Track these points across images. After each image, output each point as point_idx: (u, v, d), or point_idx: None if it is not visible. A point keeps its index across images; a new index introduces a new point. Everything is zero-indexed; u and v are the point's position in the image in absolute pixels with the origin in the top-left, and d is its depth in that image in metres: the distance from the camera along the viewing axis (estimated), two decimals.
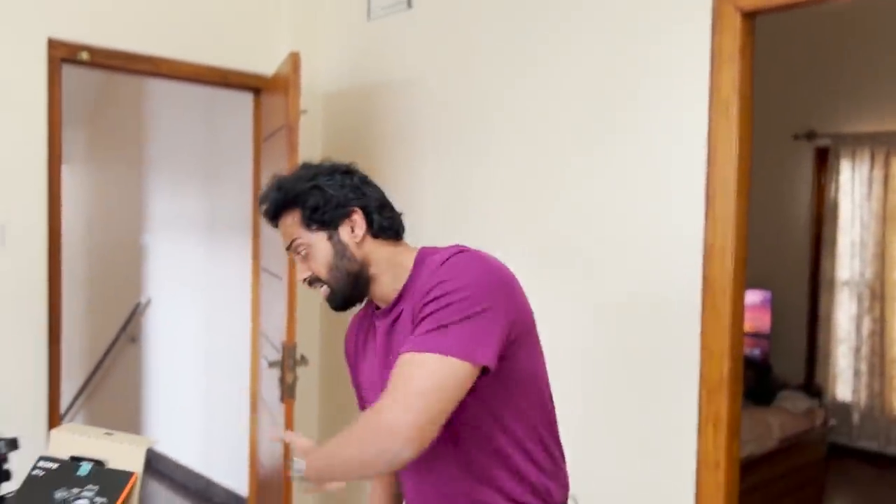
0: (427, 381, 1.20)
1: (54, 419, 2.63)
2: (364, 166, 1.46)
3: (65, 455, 1.46)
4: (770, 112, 4.38)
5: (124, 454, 1.43)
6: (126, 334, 4.82)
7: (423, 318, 1.26)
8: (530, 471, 1.37)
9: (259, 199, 1.48)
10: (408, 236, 1.49)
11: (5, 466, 1.57)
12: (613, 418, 2.24)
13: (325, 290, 1.43)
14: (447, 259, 1.31)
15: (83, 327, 4.95)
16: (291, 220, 1.42)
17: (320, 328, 3.34)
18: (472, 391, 1.24)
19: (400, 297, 1.40)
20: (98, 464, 1.43)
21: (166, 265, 4.64)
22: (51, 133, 2.61)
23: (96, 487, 1.39)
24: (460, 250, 1.34)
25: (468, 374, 1.22)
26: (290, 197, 1.41)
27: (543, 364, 1.43)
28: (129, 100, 4.80)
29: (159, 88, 4.56)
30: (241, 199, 3.66)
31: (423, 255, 1.41)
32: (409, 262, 1.41)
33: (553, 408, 1.44)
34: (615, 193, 2.25)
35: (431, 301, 1.26)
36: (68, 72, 2.71)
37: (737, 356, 2.00)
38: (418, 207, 2.84)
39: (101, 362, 4.90)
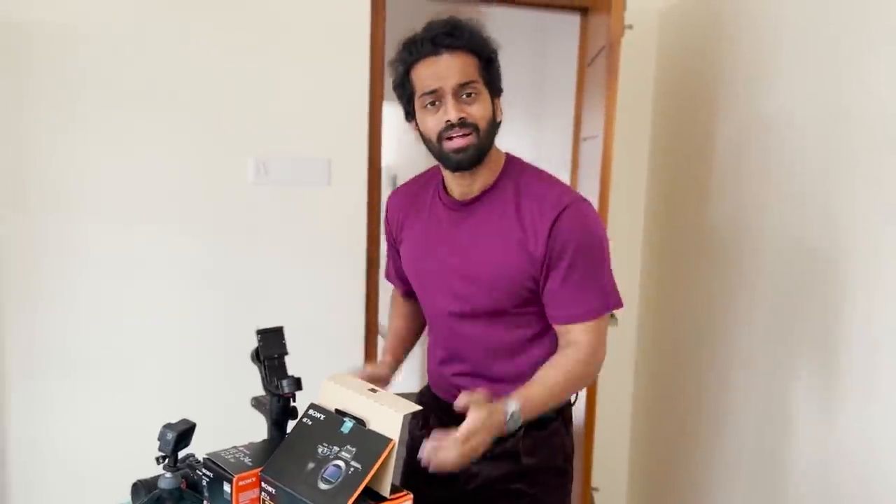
0: (604, 333, 1.48)
1: (371, 351, 2.69)
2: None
3: (331, 406, 1.36)
4: None
5: (384, 417, 1.28)
6: None
7: (573, 266, 1.40)
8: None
9: (434, 23, 1.39)
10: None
11: (292, 404, 1.54)
12: None
13: (468, 140, 1.38)
14: (568, 205, 1.40)
15: None
16: (471, 61, 1.38)
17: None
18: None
19: (480, 197, 1.46)
20: (359, 423, 1.30)
21: None
22: (373, 71, 2.59)
23: (354, 450, 1.26)
24: (577, 197, 1.43)
25: None
26: (487, 46, 1.40)
27: None
28: None
29: (489, 20, 4.44)
30: (564, 138, 3.39)
31: (512, 164, 1.49)
32: (499, 164, 1.48)
33: None
34: None
35: (580, 255, 1.40)
36: (396, 4, 2.66)
37: None
38: (783, 141, 2.26)
39: None
